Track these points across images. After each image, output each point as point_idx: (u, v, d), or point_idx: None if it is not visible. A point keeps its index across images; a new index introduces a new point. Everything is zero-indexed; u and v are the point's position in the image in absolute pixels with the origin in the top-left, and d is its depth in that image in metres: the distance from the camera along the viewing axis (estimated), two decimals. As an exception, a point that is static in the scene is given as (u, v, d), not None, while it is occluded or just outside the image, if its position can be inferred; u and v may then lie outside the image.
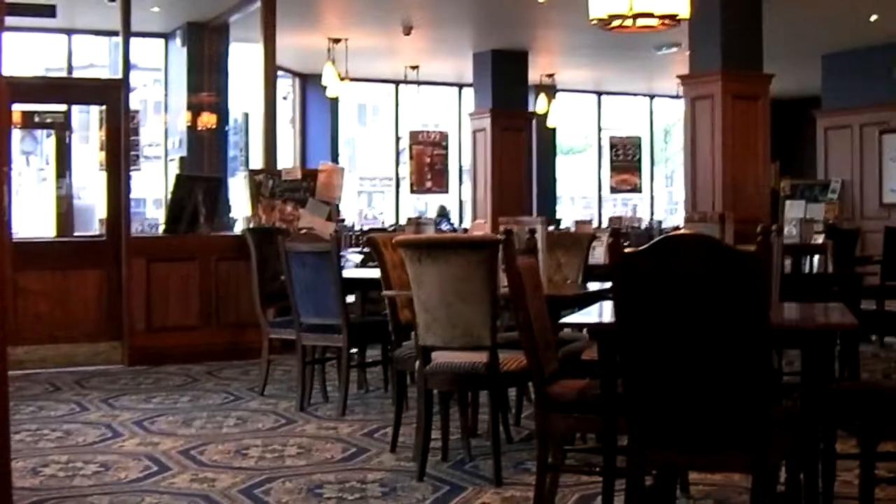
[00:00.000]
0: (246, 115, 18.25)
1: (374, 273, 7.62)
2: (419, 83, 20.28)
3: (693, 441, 3.96)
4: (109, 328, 10.63)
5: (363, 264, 10.43)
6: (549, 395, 4.68)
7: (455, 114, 21.66)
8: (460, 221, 20.60)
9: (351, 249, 11.78)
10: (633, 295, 3.94)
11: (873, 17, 14.26)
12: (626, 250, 3.97)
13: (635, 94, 23.59)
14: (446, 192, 20.88)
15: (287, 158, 19.05)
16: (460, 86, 20.93)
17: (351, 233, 15.61)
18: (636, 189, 22.90)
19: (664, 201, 29.10)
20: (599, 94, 23.03)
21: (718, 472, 5.35)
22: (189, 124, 15.55)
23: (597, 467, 4.73)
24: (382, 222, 21.54)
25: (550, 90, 20.45)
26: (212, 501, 5.39)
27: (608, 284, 6.08)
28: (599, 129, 23.45)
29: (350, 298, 8.61)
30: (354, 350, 8.25)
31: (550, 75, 20.11)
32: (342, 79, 16.47)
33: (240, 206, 11.58)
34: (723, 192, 12.71)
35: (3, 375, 3.42)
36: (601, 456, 4.51)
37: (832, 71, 17.89)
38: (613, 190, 22.79)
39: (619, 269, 3.96)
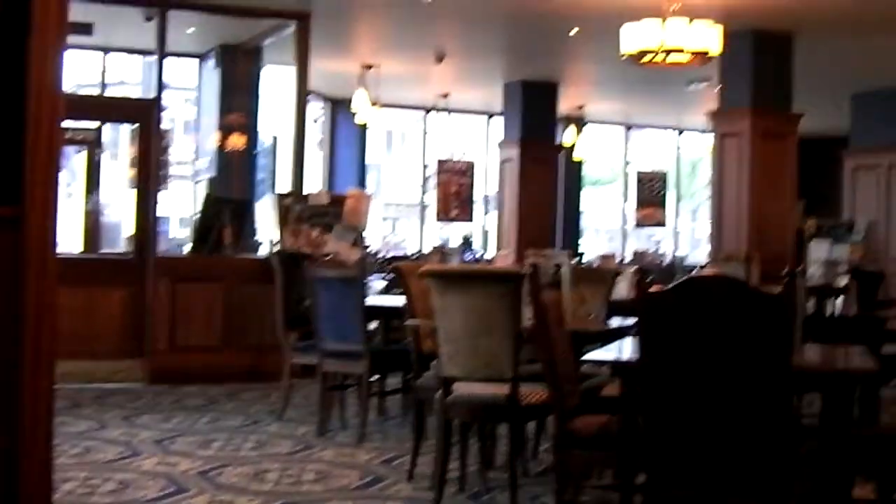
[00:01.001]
0: (275, 138, 18.32)
1: (398, 301, 7.64)
2: (449, 111, 20.33)
3: (711, 483, 3.97)
4: (131, 346, 10.66)
5: (386, 291, 10.44)
6: (569, 430, 4.68)
7: (482, 142, 21.69)
8: (484, 251, 20.59)
9: (374, 276, 11.76)
10: (657, 334, 3.96)
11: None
12: (651, 289, 3.99)
13: (664, 128, 23.55)
14: (471, 220, 20.90)
15: (314, 183, 19.09)
16: (489, 115, 20.96)
17: (375, 259, 15.61)
18: (661, 223, 22.86)
19: (688, 236, 29.05)
20: (628, 126, 23.03)
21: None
22: (219, 145, 15.62)
23: (613, 504, 4.73)
24: (406, 249, 21.54)
25: (579, 122, 20.45)
26: (229, 524, 5.41)
27: (631, 320, 6.09)
28: (626, 163, 23.44)
29: (372, 325, 8.62)
30: (375, 377, 8.25)
31: (580, 107, 20.10)
32: (373, 104, 16.51)
33: (266, 229, 11.62)
34: (748, 230, 12.71)
35: (50, 392, 3.44)
36: (618, 493, 4.51)
37: (861, 111, 17.81)
38: (638, 224, 22.78)
39: (643, 309, 3.98)
